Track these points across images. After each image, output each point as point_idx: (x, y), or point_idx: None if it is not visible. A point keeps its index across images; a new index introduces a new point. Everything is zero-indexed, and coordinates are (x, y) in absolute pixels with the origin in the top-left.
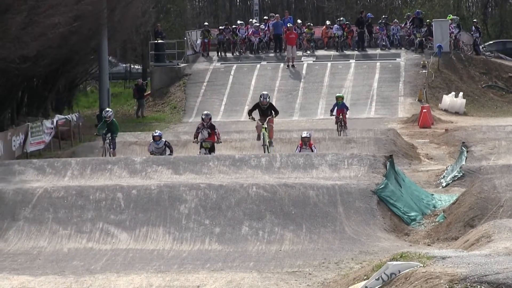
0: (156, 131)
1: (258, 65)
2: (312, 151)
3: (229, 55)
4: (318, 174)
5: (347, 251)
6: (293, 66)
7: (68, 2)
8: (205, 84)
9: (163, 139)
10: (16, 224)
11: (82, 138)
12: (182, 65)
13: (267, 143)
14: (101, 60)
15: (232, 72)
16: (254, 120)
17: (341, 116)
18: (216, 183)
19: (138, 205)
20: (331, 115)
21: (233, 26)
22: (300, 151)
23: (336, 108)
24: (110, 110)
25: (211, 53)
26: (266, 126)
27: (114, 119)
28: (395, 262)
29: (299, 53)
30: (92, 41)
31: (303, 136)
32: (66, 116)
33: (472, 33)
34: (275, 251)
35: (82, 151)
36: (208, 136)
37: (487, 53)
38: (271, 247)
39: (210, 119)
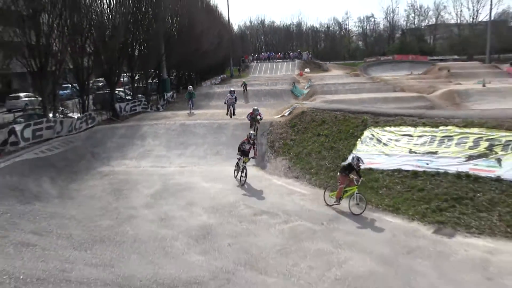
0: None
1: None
2: (259, 115)
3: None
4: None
5: (284, 104)
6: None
7: (214, 37)
8: (252, 70)
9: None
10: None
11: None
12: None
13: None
14: (230, 63)
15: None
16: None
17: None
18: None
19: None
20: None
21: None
22: (250, 117)
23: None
24: (191, 87)
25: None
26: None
27: (193, 92)
28: (295, 105)
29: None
30: (225, 55)
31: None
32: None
33: (307, 52)
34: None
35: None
36: (247, 149)
37: (315, 61)
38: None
39: (256, 138)
